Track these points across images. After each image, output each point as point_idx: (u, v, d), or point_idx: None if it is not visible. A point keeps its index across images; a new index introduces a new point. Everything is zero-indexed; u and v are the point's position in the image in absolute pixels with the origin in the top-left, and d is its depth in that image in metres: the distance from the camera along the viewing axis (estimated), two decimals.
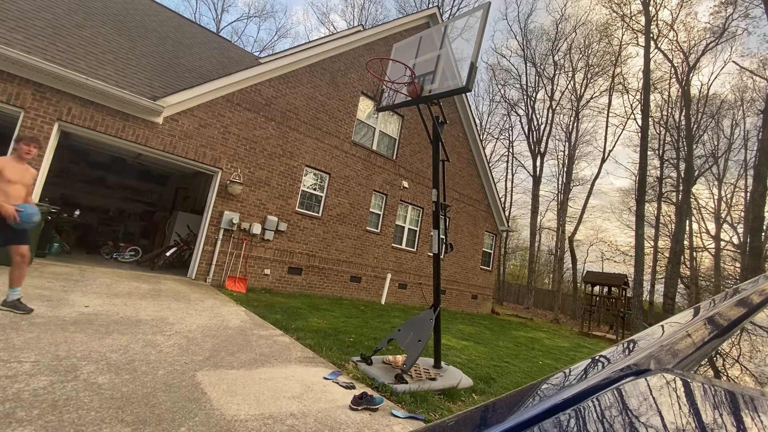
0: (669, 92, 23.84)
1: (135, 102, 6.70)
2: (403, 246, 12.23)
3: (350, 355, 4.35)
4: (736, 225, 24.85)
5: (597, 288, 17.01)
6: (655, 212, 25.46)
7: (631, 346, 0.60)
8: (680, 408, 0.41)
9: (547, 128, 27.14)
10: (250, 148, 8.51)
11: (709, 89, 24.15)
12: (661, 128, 24.30)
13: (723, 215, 25.77)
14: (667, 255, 22.21)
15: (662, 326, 0.67)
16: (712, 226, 26.22)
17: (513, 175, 31.40)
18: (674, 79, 22.21)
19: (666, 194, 24.63)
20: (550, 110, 26.96)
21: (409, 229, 12.42)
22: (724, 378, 0.56)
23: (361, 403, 2.99)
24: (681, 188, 20.96)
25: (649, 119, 19.72)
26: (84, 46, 7.16)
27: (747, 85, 25.76)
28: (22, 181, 3.78)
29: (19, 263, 3.75)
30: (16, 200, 3.71)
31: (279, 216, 9.00)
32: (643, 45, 19.19)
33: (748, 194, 20.29)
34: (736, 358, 0.62)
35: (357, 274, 10.81)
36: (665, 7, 20.82)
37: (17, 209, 3.59)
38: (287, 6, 58.47)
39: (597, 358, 0.57)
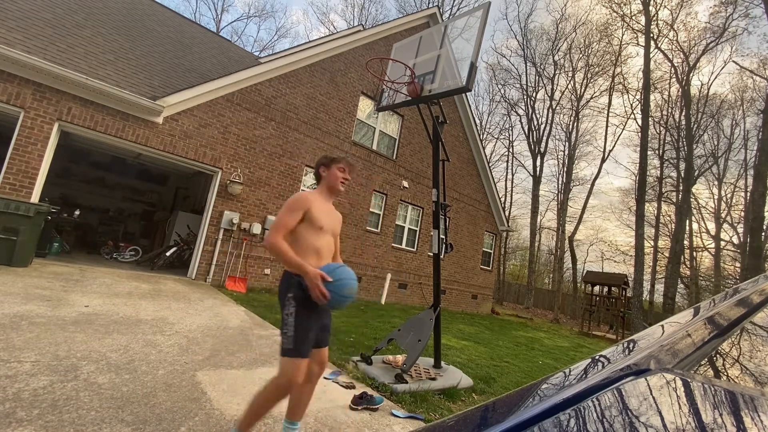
0: (669, 92, 23.88)
1: (135, 102, 6.70)
2: (403, 246, 12.23)
3: (350, 355, 4.35)
4: (736, 225, 24.88)
5: (597, 288, 16.99)
6: (655, 212, 25.48)
7: (631, 346, 0.60)
8: (680, 408, 0.41)
9: (547, 128, 27.15)
10: (250, 147, 8.51)
11: (709, 89, 24.18)
12: (661, 128, 24.31)
13: (723, 215, 25.79)
14: (667, 255, 22.21)
15: (662, 326, 0.67)
16: (712, 226, 26.25)
17: (513, 175, 31.40)
18: (674, 79, 22.25)
19: (666, 194, 24.63)
20: (550, 110, 26.96)
21: (409, 229, 12.42)
22: (724, 378, 0.56)
23: (361, 402, 2.99)
24: (681, 188, 20.96)
25: (649, 119, 19.74)
26: (84, 46, 7.16)
27: (747, 84, 25.76)
28: (333, 230, 2.22)
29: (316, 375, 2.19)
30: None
31: None
32: (643, 45, 19.21)
33: (748, 194, 20.30)
34: (736, 358, 0.62)
35: (357, 273, 10.79)
36: (665, 6, 20.86)
37: (324, 278, 1.92)
38: (287, 6, 58.51)
39: (597, 358, 0.57)
